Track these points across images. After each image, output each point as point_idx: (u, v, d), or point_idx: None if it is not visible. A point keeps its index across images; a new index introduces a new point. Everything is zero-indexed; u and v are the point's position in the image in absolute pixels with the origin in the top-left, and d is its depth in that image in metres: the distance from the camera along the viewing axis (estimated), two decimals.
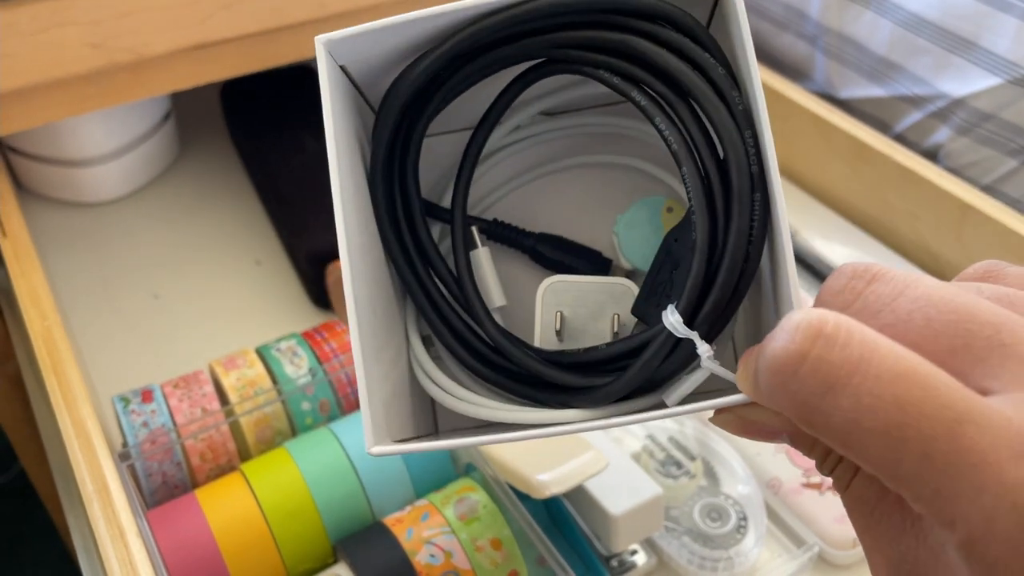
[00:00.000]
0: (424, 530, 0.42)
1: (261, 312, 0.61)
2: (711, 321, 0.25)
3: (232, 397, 0.47)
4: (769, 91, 0.68)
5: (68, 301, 0.61)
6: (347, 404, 0.49)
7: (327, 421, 0.48)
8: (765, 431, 0.23)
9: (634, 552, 0.47)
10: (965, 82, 0.65)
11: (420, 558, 0.41)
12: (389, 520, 0.43)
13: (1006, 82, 0.62)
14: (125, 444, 0.45)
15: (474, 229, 0.34)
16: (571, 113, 0.36)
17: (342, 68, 0.30)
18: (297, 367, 0.49)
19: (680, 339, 0.25)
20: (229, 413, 0.47)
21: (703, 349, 0.25)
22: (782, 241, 0.24)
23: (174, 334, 0.60)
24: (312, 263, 0.56)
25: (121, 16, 0.55)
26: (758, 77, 0.25)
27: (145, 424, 0.45)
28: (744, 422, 0.24)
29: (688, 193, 0.26)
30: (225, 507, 0.43)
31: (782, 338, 0.18)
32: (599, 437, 0.48)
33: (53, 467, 0.56)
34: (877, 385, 0.17)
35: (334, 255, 0.59)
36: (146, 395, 0.47)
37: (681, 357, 0.26)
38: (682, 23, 0.27)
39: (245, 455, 0.47)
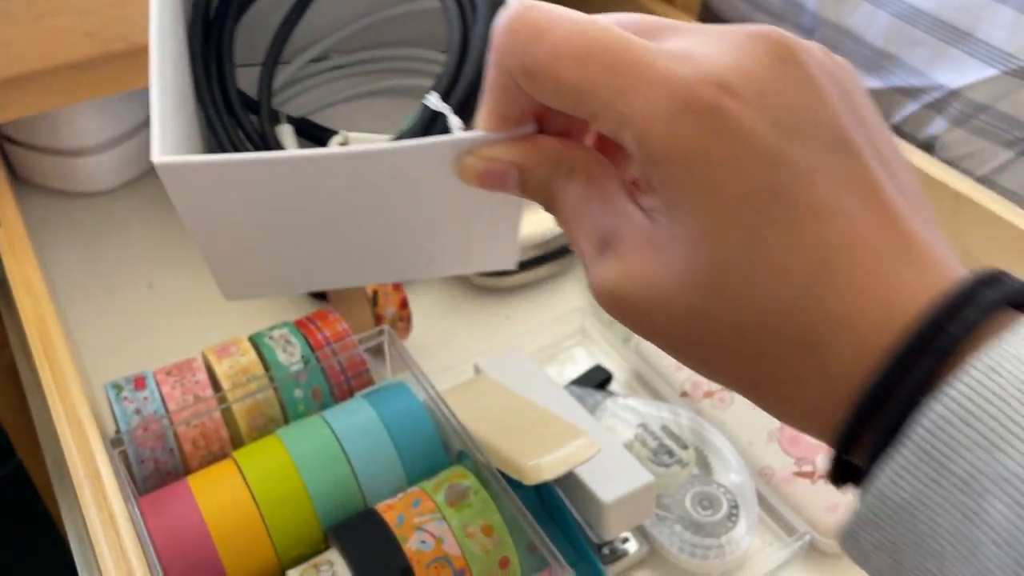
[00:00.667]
0: (415, 516, 0.42)
1: (254, 302, 0.61)
2: (460, 101, 0.34)
3: (225, 384, 0.48)
4: None
5: (62, 290, 0.61)
6: (339, 392, 0.49)
7: (319, 408, 0.48)
8: (497, 173, 0.27)
9: (626, 540, 0.47)
10: (961, 73, 0.65)
11: (411, 544, 0.41)
12: (380, 507, 0.43)
13: (1002, 73, 0.62)
14: (118, 431, 0.45)
15: (281, 113, 0.39)
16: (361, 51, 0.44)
17: None
18: (290, 355, 0.49)
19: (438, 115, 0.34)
20: (222, 400, 0.47)
21: (454, 121, 0.31)
22: None
23: (168, 323, 0.60)
24: None
25: (115, 5, 0.55)
26: None
27: (138, 411, 0.45)
28: (483, 164, 0.28)
29: (447, 13, 0.36)
30: (217, 493, 0.43)
31: (504, 14, 0.25)
32: (592, 426, 0.48)
33: (47, 456, 0.56)
34: (572, 26, 0.24)
35: None
36: (139, 382, 0.47)
37: (441, 129, 0.34)
38: None
39: (238, 442, 0.47)
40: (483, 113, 0.28)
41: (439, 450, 0.46)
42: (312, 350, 0.50)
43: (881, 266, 0.22)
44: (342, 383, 0.49)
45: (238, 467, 0.44)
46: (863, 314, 0.22)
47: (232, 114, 0.37)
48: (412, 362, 0.48)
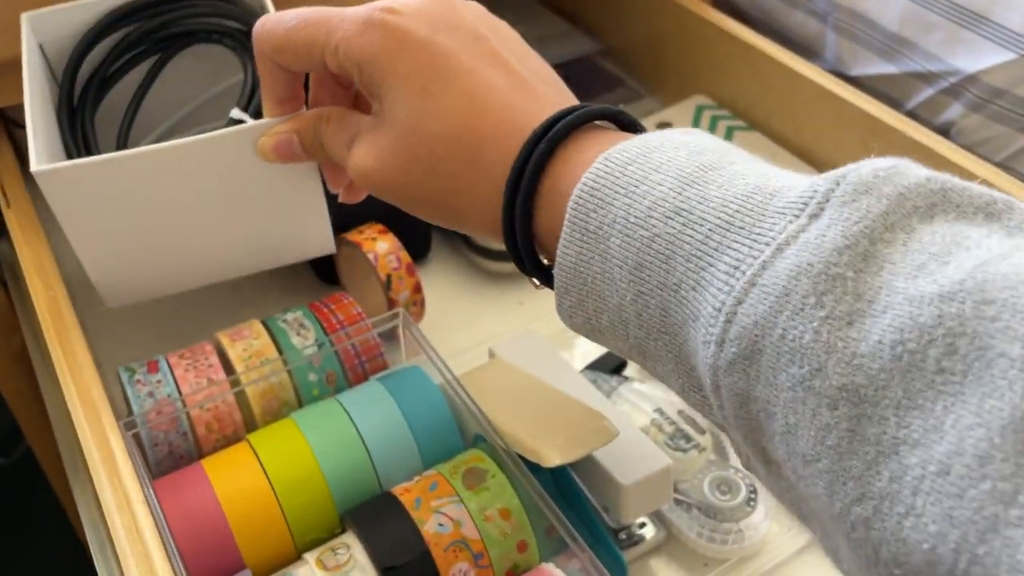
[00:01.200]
0: (432, 499, 0.41)
1: (268, 287, 0.60)
2: (255, 111, 0.46)
3: (238, 368, 0.47)
4: (779, 66, 0.68)
5: (73, 273, 0.61)
6: (354, 376, 0.49)
7: (334, 392, 0.48)
8: (284, 142, 0.40)
9: (643, 524, 0.47)
10: (977, 58, 0.64)
11: (429, 527, 0.40)
12: (397, 490, 0.43)
13: (1019, 57, 0.61)
14: (131, 414, 0.45)
15: None
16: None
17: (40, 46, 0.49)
18: (304, 338, 0.49)
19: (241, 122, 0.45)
20: (235, 383, 0.46)
21: (250, 122, 0.44)
22: None
23: (180, 308, 0.59)
24: None
25: None
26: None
27: (151, 394, 0.45)
28: (273, 139, 0.41)
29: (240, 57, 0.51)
30: (232, 476, 0.43)
31: (257, 22, 0.38)
32: (608, 410, 0.48)
33: (59, 441, 0.55)
34: (295, 11, 0.36)
35: (342, 229, 0.59)
36: (151, 366, 0.46)
37: None
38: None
39: (251, 426, 0.47)
40: (265, 105, 0.40)
41: (455, 433, 0.46)
42: (326, 334, 0.49)
43: (513, 103, 0.33)
44: (356, 367, 0.49)
45: (253, 450, 0.44)
46: (504, 132, 0.32)
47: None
48: (428, 345, 0.48)
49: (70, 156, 0.47)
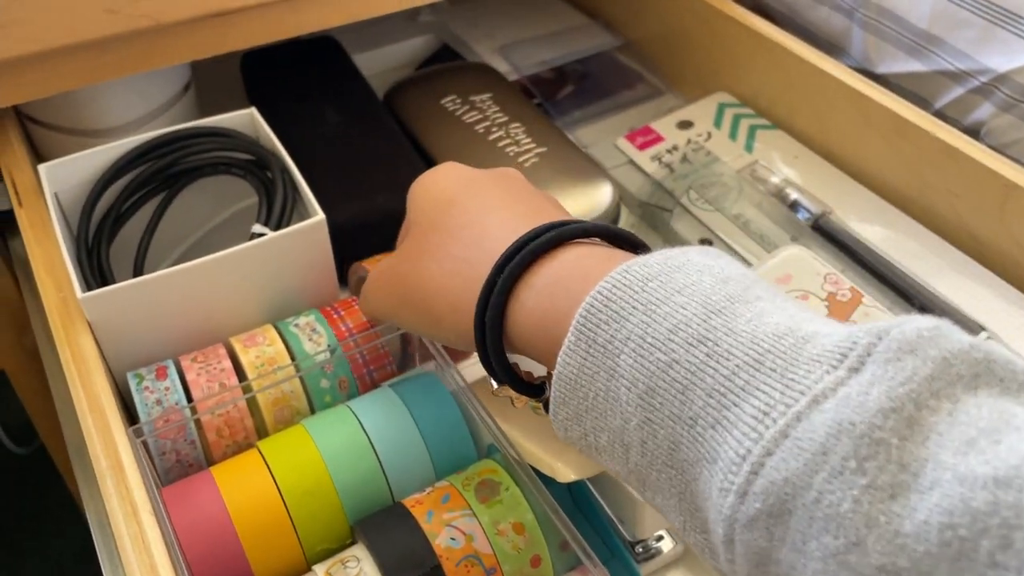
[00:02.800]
0: (444, 512, 0.41)
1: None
2: (273, 226, 0.51)
3: (250, 374, 0.46)
4: (803, 63, 0.66)
5: None
6: (362, 385, 0.48)
7: (346, 399, 0.47)
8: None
9: (660, 537, 0.46)
10: (1010, 56, 0.62)
11: (440, 541, 0.40)
12: (408, 501, 0.42)
13: None
14: (137, 422, 0.44)
15: None
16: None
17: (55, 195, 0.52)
18: (316, 344, 0.48)
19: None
20: (247, 389, 0.45)
21: (269, 233, 0.50)
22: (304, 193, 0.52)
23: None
24: (333, 236, 0.54)
25: None
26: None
27: (159, 402, 0.44)
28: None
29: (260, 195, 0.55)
30: (241, 485, 0.42)
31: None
32: None
33: (68, 442, 0.55)
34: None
35: (356, 230, 0.58)
36: (160, 372, 0.46)
37: None
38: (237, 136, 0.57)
39: (262, 432, 0.46)
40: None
41: (469, 443, 0.45)
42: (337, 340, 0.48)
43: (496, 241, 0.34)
44: (364, 376, 0.48)
45: (263, 458, 0.43)
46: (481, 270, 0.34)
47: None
48: (440, 352, 0.47)
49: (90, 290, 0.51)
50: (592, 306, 0.28)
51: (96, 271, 0.52)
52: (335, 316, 0.50)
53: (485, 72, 0.75)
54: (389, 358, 0.49)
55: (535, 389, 0.35)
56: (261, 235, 0.50)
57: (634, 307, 0.27)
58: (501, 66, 0.78)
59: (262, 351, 0.47)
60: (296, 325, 0.49)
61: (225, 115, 0.57)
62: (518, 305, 0.32)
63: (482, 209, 0.37)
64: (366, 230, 0.58)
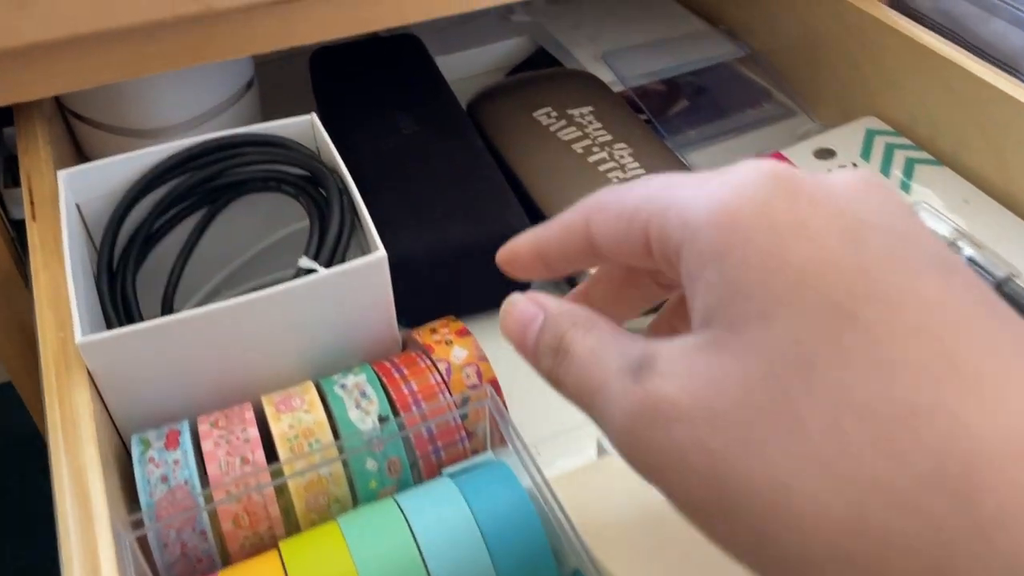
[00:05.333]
0: None
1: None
2: (324, 261, 0.42)
3: (281, 449, 0.37)
4: (977, 84, 0.54)
5: None
6: (426, 466, 0.38)
7: (396, 486, 0.38)
8: (529, 316, 0.28)
9: None
10: None
11: None
12: None
13: None
14: (136, 502, 0.35)
15: None
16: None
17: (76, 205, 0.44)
18: (364, 412, 0.39)
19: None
20: (276, 474, 0.36)
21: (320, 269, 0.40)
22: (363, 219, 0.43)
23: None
24: (395, 270, 0.45)
25: None
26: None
27: (164, 478, 0.35)
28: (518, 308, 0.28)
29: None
30: None
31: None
32: None
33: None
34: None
35: (423, 264, 0.48)
36: (171, 438, 0.37)
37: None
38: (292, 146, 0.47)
39: (290, 523, 0.37)
40: (525, 238, 0.28)
41: (549, 564, 0.35)
42: (394, 408, 0.39)
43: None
44: (429, 455, 0.38)
45: (282, 564, 0.34)
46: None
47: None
48: (516, 436, 0.37)
49: (109, 325, 0.42)
50: None
51: (119, 302, 0.44)
52: (395, 376, 0.40)
53: (586, 81, 0.65)
54: (463, 433, 0.39)
55: None
56: (309, 271, 0.40)
57: None
58: (605, 75, 0.68)
59: (298, 419, 0.38)
60: (343, 386, 0.40)
61: (279, 121, 0.48)
62: None
63: (939, 354, 0.18)
64: (436, 268, 0.48)
